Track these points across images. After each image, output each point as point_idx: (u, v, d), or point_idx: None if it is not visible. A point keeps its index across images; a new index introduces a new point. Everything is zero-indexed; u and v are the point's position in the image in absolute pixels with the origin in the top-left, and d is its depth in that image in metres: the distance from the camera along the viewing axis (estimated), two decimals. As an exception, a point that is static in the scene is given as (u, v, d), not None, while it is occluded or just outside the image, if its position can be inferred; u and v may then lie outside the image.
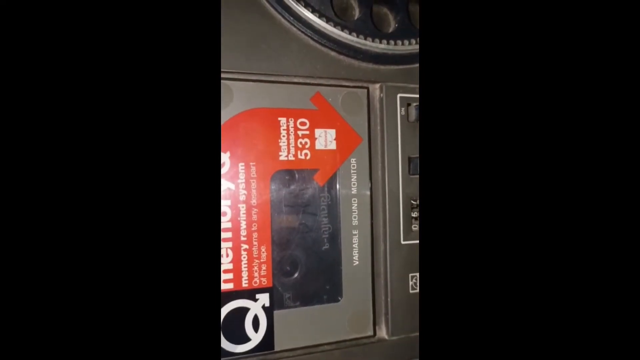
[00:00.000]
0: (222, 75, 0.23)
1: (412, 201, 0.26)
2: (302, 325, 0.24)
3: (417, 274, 0.26)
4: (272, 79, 0.24)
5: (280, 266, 0.24)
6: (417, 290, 0.26)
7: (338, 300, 0.25)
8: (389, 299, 0.25)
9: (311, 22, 0.24)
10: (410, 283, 0.26)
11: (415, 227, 0.26)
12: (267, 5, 0.23)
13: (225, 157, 0.23)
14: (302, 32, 0.24)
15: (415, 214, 0.26)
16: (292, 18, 0.24)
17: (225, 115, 0.23)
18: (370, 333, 0.25)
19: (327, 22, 0.24)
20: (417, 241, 0.26)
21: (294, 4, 0.24)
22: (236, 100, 0.23)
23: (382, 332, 0.26)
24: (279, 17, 0.24)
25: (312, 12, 0.24)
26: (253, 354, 0.23)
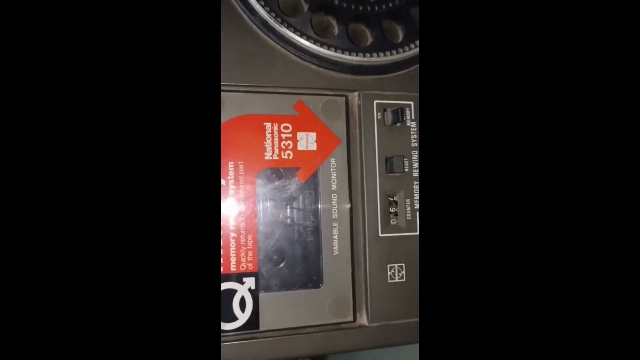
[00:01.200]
0: (216, 88, 0.27)
1: (390, 198, 0.28)
2: (285, 308, 0.27)
3: (396, 265, 0.28)
4: (259, 89, 0.27)
5: (266, 254, 0.27)
6: (396, 280, 0.28)
7: (319, 287, 0.27)
8: (368, 288, 0.27)
9: (293, 41, 0.27)
10: (389, 273, 0.28)
11: (394, 221, 0.28)
12: (255, 27, 0.27)
13: (217, 157, 0.26)
14: (286, 49, 0.27)
15: (393, 210, 0.28)
16: (276, 38, 0.27)
17: (218, 121, 0.26)
18: (351, 319, 0.27)
19: (307, 39, 0.27)
20: (395, 234, 0.28)
21: (278, 26, 0.27)
22: (228, 108, 0.27)
23: (363, 319, 0.27)
24: (265, 37, 0.27)
25: (294, 31, 0.27)
26: (240, 332, 0.26)
